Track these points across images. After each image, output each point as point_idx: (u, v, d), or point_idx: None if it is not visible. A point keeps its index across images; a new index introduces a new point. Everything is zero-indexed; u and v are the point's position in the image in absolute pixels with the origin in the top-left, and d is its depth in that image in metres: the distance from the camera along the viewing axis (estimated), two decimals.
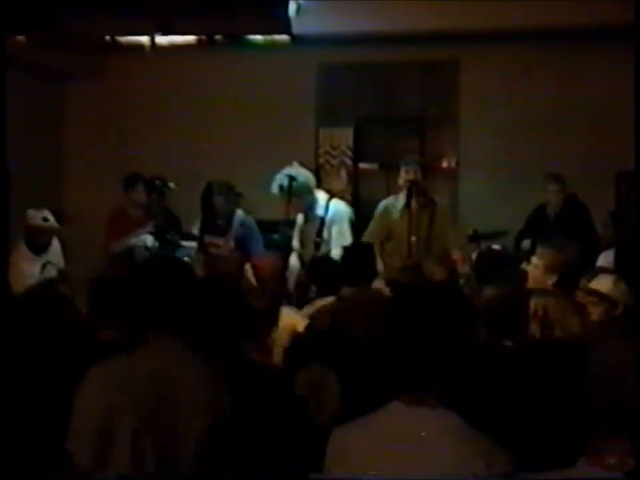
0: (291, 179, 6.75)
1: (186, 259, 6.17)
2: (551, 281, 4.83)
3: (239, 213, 7.24)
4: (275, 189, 6.82)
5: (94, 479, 2.69)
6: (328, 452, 2.48)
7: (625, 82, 9.04)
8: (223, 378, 2.85)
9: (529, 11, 8.17)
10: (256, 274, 5.29)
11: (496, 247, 7.06)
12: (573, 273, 4.76)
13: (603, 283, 4.28)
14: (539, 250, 5.16)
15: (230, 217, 7.13)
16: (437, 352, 2.36)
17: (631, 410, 1.94)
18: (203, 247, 6.95)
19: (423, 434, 2.32)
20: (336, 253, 6.35)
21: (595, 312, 4.14)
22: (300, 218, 7.03)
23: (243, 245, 7.03)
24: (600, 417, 1.98)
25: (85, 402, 2.77)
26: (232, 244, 7.02)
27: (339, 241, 6.64)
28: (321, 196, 6.95)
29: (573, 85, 9.06)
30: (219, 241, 7.04)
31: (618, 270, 5.17)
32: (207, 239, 7.04)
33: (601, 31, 8.43)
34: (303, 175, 6.93)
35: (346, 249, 5.63)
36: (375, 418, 2.44)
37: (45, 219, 7.00)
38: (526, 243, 7.22)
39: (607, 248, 6.83)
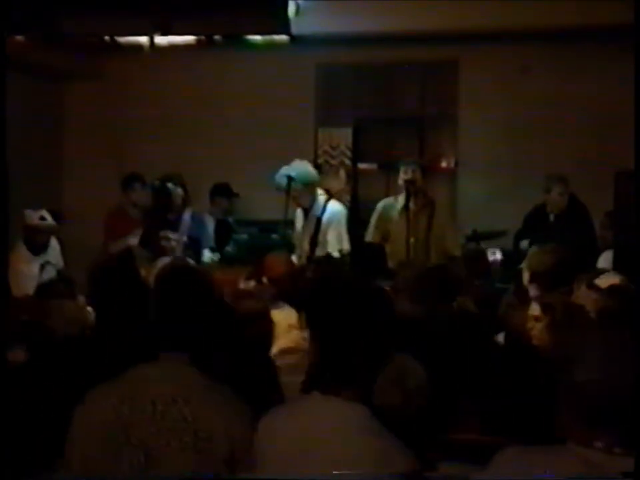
0: (298, 173, 6.77)
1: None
2: (532, 285, 4.82)
3: (189, 207, 7.30)
4: (280, 180, 6.80)
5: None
6: (257, 438, 2.53)
7: (623, 82, 9.06)
8: (243, 408, 2.71)
9: (527, 11, 8.17)
10: (267, 275, 5.26)
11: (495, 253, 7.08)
12: (560, 276, 4.73)
13: (607, 281, 4.27)
14: (530, 252, 5.16)
15: (180, 211, 7.19)
16: (350, 345, 2.42)
17: (620, 400, 1.95)
18: (152, 241, 6.92)
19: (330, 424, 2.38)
20: (335, 255, 6.36)
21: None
22: (299, 216, 7.03)
23: (195, 239, 7.10)
24: (587, 405, 1.98)
25: (89, 419, 2.70)
26: (185, 238, 7.05)
27: (336, 244, 6.63)
28: (320, 196, 6.96)
29: (571, 84, 9.06)
30: (174, 235, 7.05)
31: (617, 271, 5.17)
32: (164, 232, 7.04)
33: (599, 31, 8.42)
34: (310, 170, 6.95)
35: (357, 249, 5.65)
36: (297, 405, 2.52)
37: (42, 218, 7.01)
38: (524, 243, 7.23)
39: (605, 249, 6.84)
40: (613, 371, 1.95)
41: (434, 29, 8.47)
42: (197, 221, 7.35)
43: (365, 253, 5.46)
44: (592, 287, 4.23)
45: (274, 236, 7.40)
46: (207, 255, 7.08)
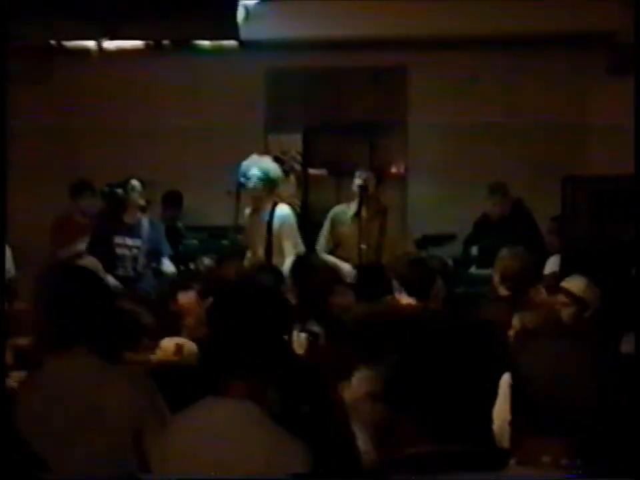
0: (267, 168, 6.66)
1: None
2: (502, 286, 4.87)
3: (146, 213, 7.19)
4: (247, 173, 6.62)
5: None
6: (151, 448, 2.59)
7: (571, 88, 9.20)
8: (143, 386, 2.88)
9: (476, 18, 8.25)
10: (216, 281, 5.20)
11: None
12: (519, 278, 4.79)
13: (575, 284, 4.30)
14: (499, 254, 5.23)
15: (137, 216, 7.05)
16: (243, 344, 2.47)
17: (568, 410, 1.94)
18: (108, 247, 6.83)
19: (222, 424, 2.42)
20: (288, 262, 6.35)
21: (565, 312, 4.16)
22: (247, 215, 6.86)
23: (155, 247, 6.98)
24: (532, 416, 1.96)
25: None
26: (145, 245, 6.94)
27: (292, 251, 6.57)
28: (274, 199, 6.84)
29: (519, 91, 9.17)
30: (135, 242, 6.93)
31: (563, 276, 5.23)
32: (118, 239, 6.93)
33: (547, 38, 8.54)
34: (274, 166, 6.84)
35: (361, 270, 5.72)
36: (191, 411, 2.54)
37: None
38: (474, 249, 7.29)
39: (553, 254, 6.91)
40: (561, 378, 1.93)
41: (384, 35, 8.51)
42: (155, 227, 7.19)
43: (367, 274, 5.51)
44: (561, 290, 4.27)
45: (224, 241, 7.36)
46: (167, 264, 6.93)
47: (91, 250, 6.71)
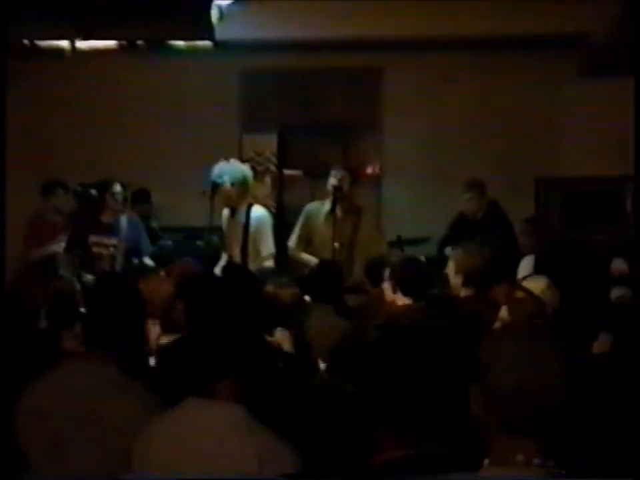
0: (237, 171, 6.67)
1: None
2: (459, 281, 4.88)
3: (125, 212, 7.16)
4: (218, 172, 6.64)
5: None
6: (133, 452, 2.54)
7: (544, 90, 9.26)
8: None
9: (450, 21, 8.29)
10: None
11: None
12: (483, 276, 4.80)
13: (535, 284, 4.32)
14: (452, 253, 5.24)
15: (117, 216, 7.02)
16: (223, 346, 2.45)
17: (540, 409, 1.94)
18: (84, 247, 6.79)
19: (209, 427, 2.39)
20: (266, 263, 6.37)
21: (520, 312, 4.18)
22: (225, 217, 6.88)
23: (134, 245, 6.96)
24: (504, 415, 1.96)
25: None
26: (123, 243, 6.91)
27: (265, 250, 6.59)
28: (250, 200, 6.85)
29: (492, 93, 9.22)
30: (111, 240, 6.90)
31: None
32: (94, 238, 6.89)
33: (520, 40, 8.59)
34: (245, 168, 6.87)
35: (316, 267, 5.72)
36: (173, 413, 2.51)
37: None
38: (449, 250, 7.30)
39: (526, 255, 6.94)
40: (530, 377, 1.93)
41: (358, 37, 8.54)
42: (134, 225, 7.15)
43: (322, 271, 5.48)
44: (521, 288, 4.28)
45: (199, 242, 7.34)
46: (148, 262, 6.89)
47: (68, 249, 6.69)
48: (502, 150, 9.14)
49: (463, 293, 4.82)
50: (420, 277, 4.78)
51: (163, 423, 2.53)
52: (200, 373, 2.48)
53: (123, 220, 7.04)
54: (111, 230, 6.94)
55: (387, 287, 4.82)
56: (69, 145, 9.51)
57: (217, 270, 6.42)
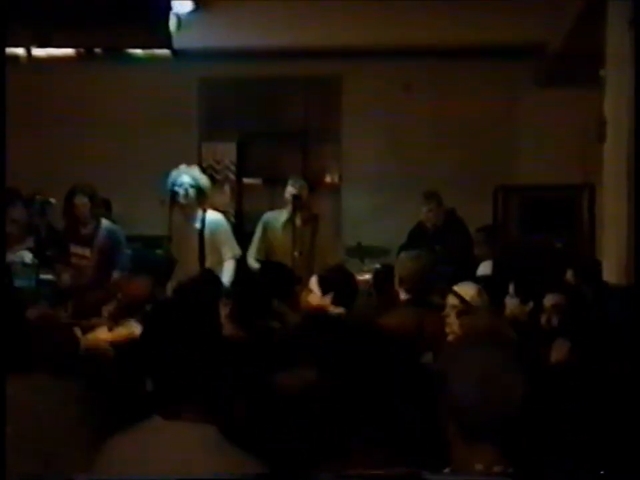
0: (195, 178, 6.60)
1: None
2: (402, 289, 4.92)
3: (105, 222, 6.97)
4: (177, 182, 6.56)
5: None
6: (97, 459, 2.48)
7: (500, 99, 9.34)
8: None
9: (408, 29, 8.34)
10: (124, 297, 5.09)
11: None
12: (418, 281, 4.85)
13: (466, 290, 4.38)
14: (396, 259, 5.30)
15: (96, 225, 6.85)
16: (188, 365, 2.38)
17: (497, 418, 1.94)
18: (65, 258, 6.69)
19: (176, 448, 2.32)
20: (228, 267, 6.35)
21: (453, 317, 4.24)
22: (178, 223, 6.78)
23: (107, 256, 6.78)
24: (462, 424, 1.97)
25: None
26: (95, 255, 6.76)
27: (229, 252, 6.55)
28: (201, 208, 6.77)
29: (451, 101, 9.27)
30: (85, 251, 6.78)
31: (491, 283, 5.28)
32: (73, 248, 6.77)
33: (478, 50, 8.66)
34: (203, 175, 6.79)
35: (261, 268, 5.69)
36: (139, 430, 2.43)
37: None
38: None
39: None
40: (487, 387, 1.93)
41: (317, 45, 8.55)
42: (112, 237, 6.88)
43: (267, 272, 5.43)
44: (454, 293, 4.35)
45: (158, 251, 7.27)
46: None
47: (39, 250, 6.59)
48: (460, 158, 9.19)
49: (403, 296, 4.88)
50: (423, 275, 4.84)
51: (126, 440, 2.44)
52: (166, 393, 2.40)
53: (102, 231, 6.87)
54: (86, 240, 6.81)
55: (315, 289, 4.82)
56: (24, 154, 9.40)
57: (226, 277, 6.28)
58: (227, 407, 2.46)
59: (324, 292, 4.68)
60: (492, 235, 7.59)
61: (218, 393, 2.42)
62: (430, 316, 4.47)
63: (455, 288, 4.41)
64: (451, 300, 4.33)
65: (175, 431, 2.35)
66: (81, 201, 6.79)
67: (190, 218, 6.65)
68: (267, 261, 6.37)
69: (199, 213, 6.61)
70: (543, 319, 4.25)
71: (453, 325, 4.22)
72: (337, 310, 4.60)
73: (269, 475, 2.32)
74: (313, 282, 4.79)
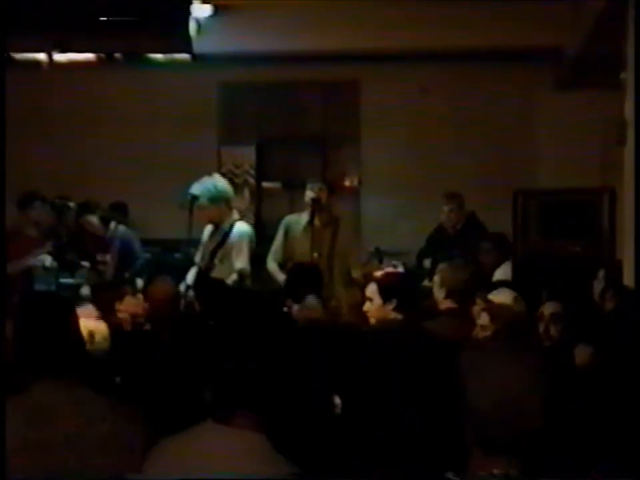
0: (202, 190, 6.66)
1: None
2: (442, 294, 4.88)
3: (121, 227, 7.15)
4: (196, 191, 6.65)
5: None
6: (148, 460, 2.49)
7: (518, 103, 9.31)
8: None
9: (427, 34, 8.34)
10: (148, 302, 5.12)
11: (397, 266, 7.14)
12: (465, 290, 4.80)
13: (502, 298, 4.30)
14: (439, 267, 5.22)
15: (111, 232, 7.07)
16: (242, 372, 2.38)
17: (518, 431, 1.93)
18: (95, 267, 6.83)
19: (225, 454, 2.33)
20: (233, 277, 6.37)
21: (489, 327, 4.16)
22: (208, 230, 6.87)
23: (124, 260, 6.97)
24: (480, 434, 1.96)
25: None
26: (113, 260, 6.93)
27: (239, 264, 6.57)
28: (234, 214, 6.83)
29: (471, 104, 9.26)
30: (104, 257, 6.93)
31: (515, 283, 5.26)
32: (100, 257, 6.92)
33: (496, 53, 8.64)
34: (224, 184, 6.85)
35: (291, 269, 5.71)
36: (192, 434, 2.44)
37: None
38: (427, 262, 7.30)
39: (488, 273, 6.84)
40: (506, 397, 1.92)
41: (336, 49, 8.56)
42: (126, 243, 7.17)
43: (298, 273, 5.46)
44: (487, 301, 4.28)
45: (177, 255, 7.31)
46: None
47: (58, 253, 6.74)
48: (479, 162, 9.18)
49: (444, 305, 4.81)
50: (466, 282, 4.79)
51: (178, 444, 2.45)
52: (220, 399, 2.41)
53: (117, 238, 7.11)
54: (105, 247, 7.03)
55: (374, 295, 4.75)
56: (45, 158, 9.47)
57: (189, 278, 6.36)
58: (278, 417, 2.44)
59: (385, 300, 4.61)
60: (501, 242, 7.49)
61: (272, 402, 2.42)
62: (470, 325, 4.37)
63: (490, 296, 4.33)
64: (487, 307, 4.24)
65: (224, 436, 2.36)
66: (87, 219, 6.99)
67: (217, 226, 6.71)
68: (298, 262, 6.36)
69: (228, 222, 6.65)
70: (540, 327, 4.23)
71: (488, 332, 4.14)
72: (398, 316, 4.54)
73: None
74: (373, 290, 4.68)
